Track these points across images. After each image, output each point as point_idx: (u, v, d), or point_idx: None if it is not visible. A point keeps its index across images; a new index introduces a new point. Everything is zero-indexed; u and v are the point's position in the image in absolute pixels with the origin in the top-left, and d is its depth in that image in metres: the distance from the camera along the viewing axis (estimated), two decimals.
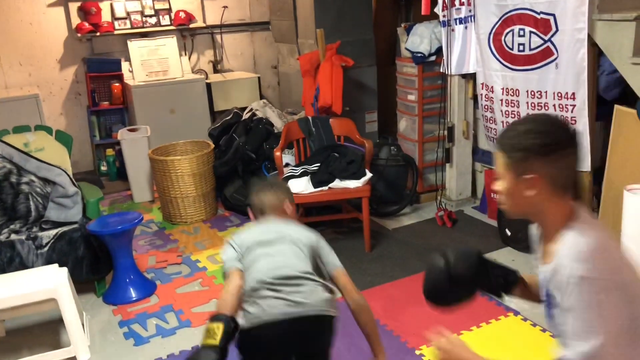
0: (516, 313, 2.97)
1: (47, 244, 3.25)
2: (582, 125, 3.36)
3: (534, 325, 2.86)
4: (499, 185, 1.42)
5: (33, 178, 3.63)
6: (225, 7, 6.06)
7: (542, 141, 1.32)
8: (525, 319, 2.92)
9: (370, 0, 5.08)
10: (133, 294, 3.39)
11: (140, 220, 3.43)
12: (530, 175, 1.33)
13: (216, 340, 1.75)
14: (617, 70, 3.19)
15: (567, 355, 1.27)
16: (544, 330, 2.80)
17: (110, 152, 5.68)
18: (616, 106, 3.28)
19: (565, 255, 1.28)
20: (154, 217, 4.70)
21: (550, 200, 1.34)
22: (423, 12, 3.11)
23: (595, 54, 3.31)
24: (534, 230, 1.54)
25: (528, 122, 1.40)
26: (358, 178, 3.76)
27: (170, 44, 5.69)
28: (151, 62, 5.63)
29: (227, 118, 4.87)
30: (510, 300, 3.07)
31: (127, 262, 3.43)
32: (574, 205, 1.37)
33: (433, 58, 4.28)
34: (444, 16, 4.06)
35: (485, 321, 2.92)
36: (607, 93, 3.62)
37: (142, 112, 5.39)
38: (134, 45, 5.61)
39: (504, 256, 3.62)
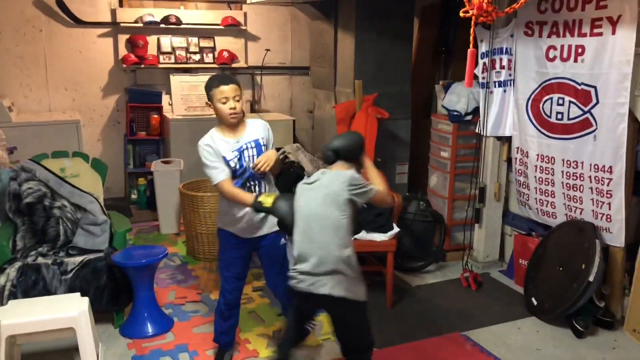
0: None
1: (71, 270, 3.28)
2: (618, 200, 3.31)
3: None
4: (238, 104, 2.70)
5: (65, 203, 3.69)
6: (267, 49, 6.20)
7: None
8: None
9: (410, 55, 5.14)
10: (150, 329, 3.38)
11: (164, 255, 3.44)
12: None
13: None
14: None
15: None
16: None
17: (142, 181, 5.77)
18: None
19: None
20: (178, 250, 4.71)
21: None
22: (466, 85, 3.15)
23: (636, 129, 3.28)
24: None
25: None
26: (385, 231, 3.73)
27: None
28: (191, 97, 5.76)
29: None
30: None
31: (147, 295, 3.43)
32: None
33: (469, 117, 4.28)
34: (483, 78, 4.08)
35: None
36: None
37: (178, 145, 5.48)
38: (175, 80, 5.76)
39: (528, 326, 3.51)
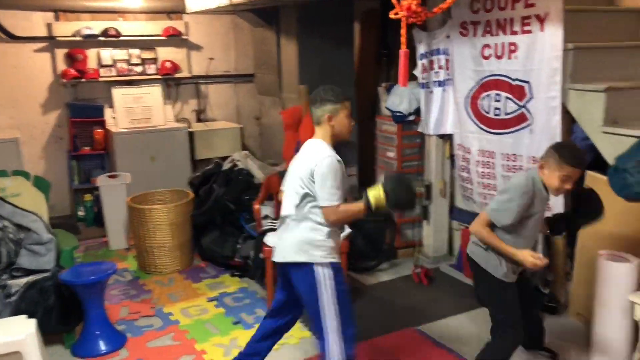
0: None
1: (15, 292, 3.18)
2: None
3: None
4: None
5: (6, 223, 3.57)
6: (211, 58, 6.18)
7: None
8: None
9: (352, 59, 5.22)
10: (102, 346, 3.31)
11: (114, 271, 3.38)
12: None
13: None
14: (589, 137, 3.30)
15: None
16: None
17: (88, 197, 5.64)
18: (588, 172, 3.37)
19: None
20: (129, 265, 4.63)
21: None
22: (401, 85, 3.24)
23: (569, 120, 3.43)
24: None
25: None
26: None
27: (154, 92, 5.75)
28: (135, 109, 5.68)
29: (208, 168, 4.90)
30: None
31: (98, 313, 3.36)
32: None
33: (412, 117, 4.38)
34: (423, 79, 4.19)
35: None
36: None
37: (123, 158, 5.39)
38: (118, 92, 5.66)
39: (481, 317, 3.60)
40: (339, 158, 2.58)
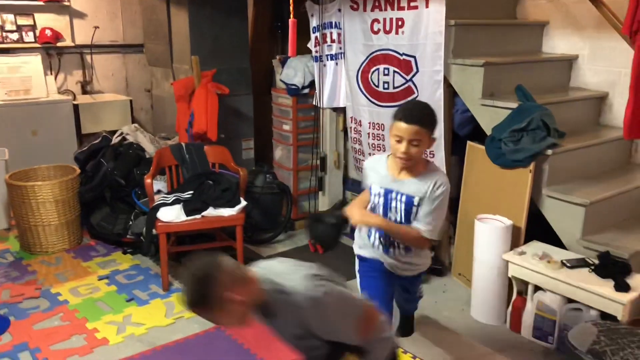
0: None
1: None
2: (439, 159, 3.65)
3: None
4: (414, 149, 2.26)
5: None
6: (96, 27, 5.85)
7: (436, 118, 2.35)
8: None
9: (246, 31, 5.16)
10: None
11: None
12: (434, 136, 2.32)
13: None
14: (469, 109, 3.52)
15: (424, 233, 2.42)
16: (405, 351, 2.97)
17: None
18: (468, 142, 3.60)
19: (440, 176, 2.42)
20: (10, 246, 4.35)
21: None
22: (290, 55, 3.28)
23: (451, 94, 3.63)
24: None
25: (425, 107, 2.37)
26: (232, 206, 3.76)
27: (34, 62, 5.36)
28: (12, 80, 5.26)
29: (95, 142, 4.67)
30: None
31: None
32: None
33: (307, 91, 4.43)
34: (316, 52, 4.24)
35: None
36: (461, 130, 3.97)
37: (0, 132, 5.00)
38: None
39: None
40: (373, 159, 2.68)
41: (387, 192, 2.47)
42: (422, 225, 2.40)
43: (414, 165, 2.38)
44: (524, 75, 3.56)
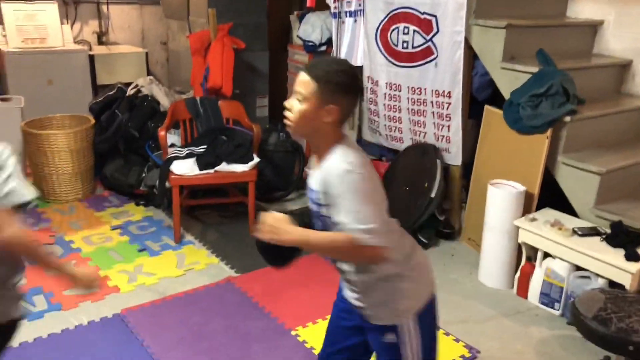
0: None
1: None
2: (456, 123, 3.61)
3: None
4: (296, 106, 1.61)
5: None
6: None
7: (350, 83, 1.61)
8: None
9: None
10: None
11: None
12: (332, 106, 1.58)
13: None
14: (489, 72, 3.46)
15: (354, 234, 1.53)
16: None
17: None
18: (486, 106, 3.55)
19: (334, 159, 1.58)
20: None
21: (334, 126, 1.62)
22: (308, 4, 3.21)
23: (471, 56, 3.56)
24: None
25: (340, 64, 1.65)
26: (245, 162, 3.76)
27: (50, 10, 5.32)
28: (28, 28, 5.24)
29: (110, 93, 4.66)
30: None
31: None
32: (344, 133, 1.66)
33: (324, 48, 4.37)
34: (335, 8, 4.16)
35: None
36: (480, 94, 3.91)
37: (16, 80, 5.00)
38: (9, 8, 5.18)
39: None
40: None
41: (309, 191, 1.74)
42: (347, 225, 1.54)
43: (320, 145, 1.64)
44: (546, 40, 3.47)
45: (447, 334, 2.83)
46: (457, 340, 2.78)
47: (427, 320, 1.75)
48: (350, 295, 1.77)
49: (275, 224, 1.60)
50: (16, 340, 2.67)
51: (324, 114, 1.59)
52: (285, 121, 1.65)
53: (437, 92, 3.64)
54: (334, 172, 1.55)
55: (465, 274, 3.42)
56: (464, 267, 3.49)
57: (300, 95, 1.60)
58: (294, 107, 1.61)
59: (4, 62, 5.01)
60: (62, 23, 5.41)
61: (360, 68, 4.22)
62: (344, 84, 1.59)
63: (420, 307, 1.71)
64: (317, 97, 1.58)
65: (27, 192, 1.65)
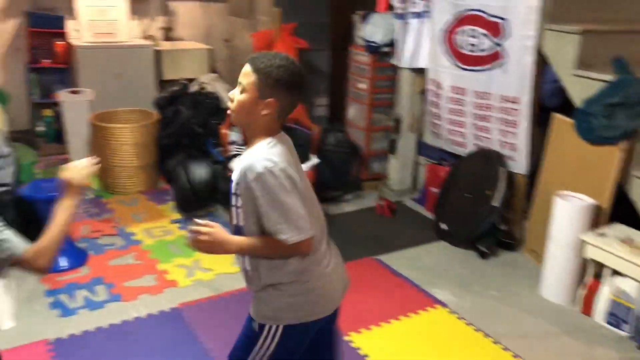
0: (444, 305, 3.07)
1: None
2: (523, 130, 3.49)
3: (460, 318, 2.97)
4: (237, 96, 1.65)
5: None
6: None
7: (290, 79, 1.62)
8: (452, 312, 3.02)
9: None
10: (64, 262, 3.30)
11: None
12: (271, 100, 1.61)
13: None
14: (560, 79, 3.32)
15: (284, 234, 1.58)
16: (469, 324, 2.92)
17: (48, 112, 5.44)
18: (555, 114, 3.41)
19: (257, 153, 1.61)
20: (91, 184, 4.55)
21: (270, 120, 1.65)
22: (379, 9, 3.16)
23: (541, 62, 3.43)
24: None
25: (283, 59, 1.65)
26: (303, 162, 3.74)
27: (120, 5, 5.48)
28: (99, 22, 5.41)
29: (175, 89, 4.76)
30: (439, 293, 3.19)
31: None
32: (279, 129, 1.70)
33: (387, 49, 4.31)
34: (400, 9, 4.09)
35: (413, 311, 3.01)
36: (550, 101, 3.76)
37: (86, 74, 5.18)
38: (82, 3, 5.37)
39: (438, 250, 3.73)
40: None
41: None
42: (270, 227, 1.60)
43: (254, 137, 1.67)
44: (624, 46, 3.29)
45: (505, 348, 2.73)
46: (516, 355, 2.69)
47: (294, 340, 1.77)
48: (246, 285, 1.80)
49: (210, 239, 1.62)
50: (79, 329, 2.76)
51: (262, 107, 1.62)
52: (231, 118, 1.71)
53: (504, 98, 3.53)
54: (252, 168, 1.57)
55: (526, 287, 3.30)
56: (525, 280, 3.37)
57: (242, 86, 1.64)
58: (235, 96, 1.66)
59: (76, 56, 5.20)
60: (130, 19, 5.57)
61: (424, 70, 4.14)
62: (283, 80, 1.61)
63: (297, 323, 1.73)
64: (256, 89, 1.62)
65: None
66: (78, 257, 3.38)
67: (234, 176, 1.66)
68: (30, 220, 3.27)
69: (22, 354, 2.61)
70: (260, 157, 1.58)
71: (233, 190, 1.67)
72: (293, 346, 1.79)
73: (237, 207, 1.67)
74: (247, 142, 1.72)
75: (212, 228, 1.63)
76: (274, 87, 1.61)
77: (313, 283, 1.73)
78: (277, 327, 1.73)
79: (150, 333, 2.80)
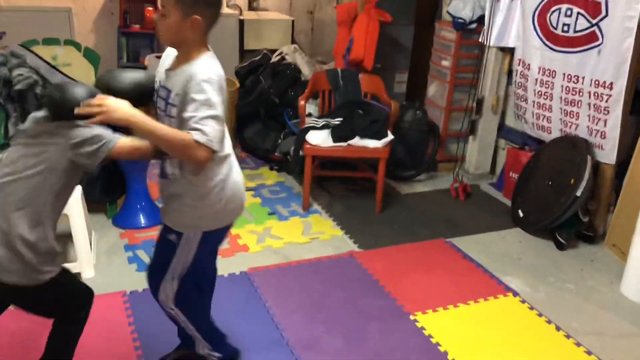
0: (515, 294, 2.98)
1: None
2: (615, 117, 3.29)
3: (531, 308, 2.87)
4: (162, 18, 1.76)
5: None
6: None
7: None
8: (523, 301, 2.93)
9: None
10: (142, 220, 3.45)
11: None
12: (195, 17, 1.75)
13: None
14: None
15: (195, 135, 1.68)
16: (541, 315, 2.82)
17: None
18: None
19: (201, 66, 1.76)
20: None
21: (200, 36, 1.80)
22: None
23: None
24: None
25: None
26: (379, 138, 3.72)
27: None
28: None
29: (256, 59, 4.81)
30: (511, 281, 3.09)
31: (140, 187, 3.47)
32: (206, 44, 1.85)
33: (474, 26, 4.15)
34: None
35: (483, 297, 2.94)
36: None
37: None
38: None
39: (512, 237, 3.60)
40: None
41: (158, 90, 1.89)
42: (191, 124, 1.68)
43: (189, 53, 1.79)
44: None
45: (578, 344, 2.62)
46: (589, 352, 2.57)
47: (212, 243, 2.01)
48: (160, 197, 1.99)
49: (104, 105, 1.67)
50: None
51: (189, 25, 1.75)
52: (158, 34, 1.82)
53: (596, 82, 3.32)
54: (198, 78, 1.70)
55: (605, 283, 3.14)
56: (604, 275, 3.20)
57: (164, 9, 1.75)
58: (159, 21, 1.78)
59: None
60: None
61: (511, 50, 3.97)
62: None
63: (213, 229, 1.92)
64: (178, 10, 1.74)
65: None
66: (156, 216, 3.51)
67: (171, 86, 1.79)
68: (114, 178, 3.43)
69: (99, 303, 2.74)
70: (206, 68, 1.75)
71: (170, 101, 1.79)
72: (208, 251, 2.01)
73: (171, 117, 1.80)
74: (179, 59, 1.84)
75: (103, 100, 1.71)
76: (194, 5, 1.74)
77: (231, 190, 1.91)
78: (195, 234, 1.90)
79: (219, 294, 2.85)
